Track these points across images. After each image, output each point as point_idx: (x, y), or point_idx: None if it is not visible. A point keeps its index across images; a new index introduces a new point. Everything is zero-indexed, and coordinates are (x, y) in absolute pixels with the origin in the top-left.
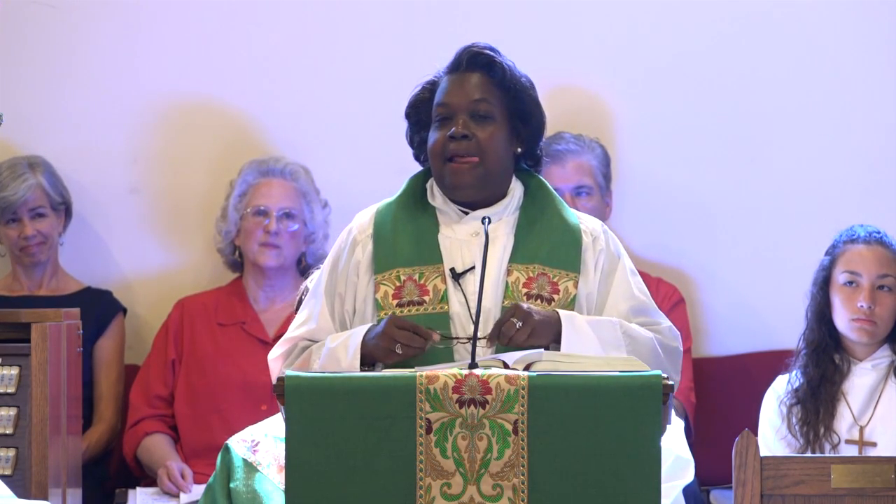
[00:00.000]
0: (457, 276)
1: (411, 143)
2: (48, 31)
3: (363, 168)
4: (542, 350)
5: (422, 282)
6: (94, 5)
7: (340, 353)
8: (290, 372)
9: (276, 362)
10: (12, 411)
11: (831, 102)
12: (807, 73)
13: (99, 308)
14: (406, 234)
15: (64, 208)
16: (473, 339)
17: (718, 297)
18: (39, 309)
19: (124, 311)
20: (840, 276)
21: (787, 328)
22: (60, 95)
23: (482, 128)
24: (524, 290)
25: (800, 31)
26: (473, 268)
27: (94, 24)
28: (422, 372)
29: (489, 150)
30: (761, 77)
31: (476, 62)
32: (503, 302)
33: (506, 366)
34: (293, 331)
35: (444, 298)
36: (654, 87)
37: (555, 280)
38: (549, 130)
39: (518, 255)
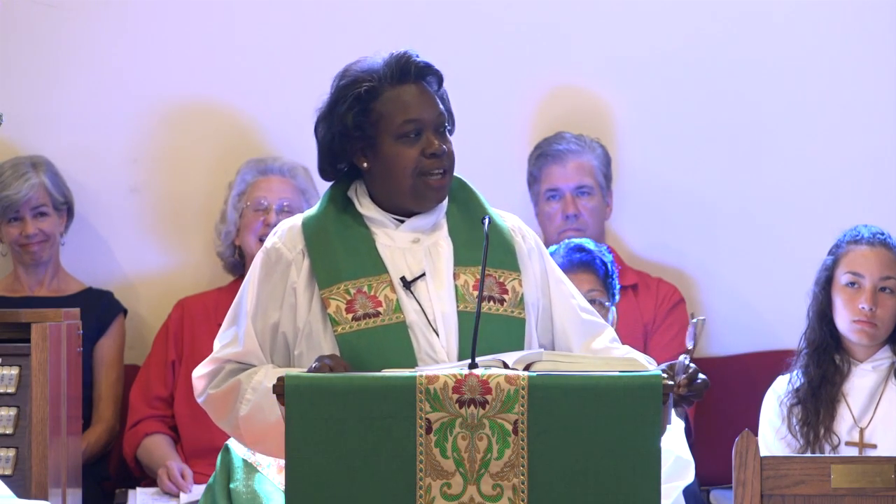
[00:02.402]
0: (408, 285)
1: (329, 150)
2: (48, 31)
3: None
4: (542, 350)
5: (372, 293)
6: (93, 6)
7: (266, 408)
8: (290, 372)
9: (200, 381)
10: (12, 411)
11: (832, 102)
12: (808, 74)
13: (100, 309)
14: (343, 247)
15: (66, 208)
16: (474, 337)
17: (718, 297)
18: (40, 309)
19: (125, 311)
20: (842, 277)
21: (787, 328)
22: (61, 95)
23: (446, 140)
24: (474, 293)
25: (800, 32)
26: (424, 275)
27: (94, 24)
28: (422, 372)
29: (454, 162)
30: (762, 77)
31: (420, 72)
32: (458, 306)
33: (506, 366)
34: (219, 351)
35: (398, 308)
36: (655, 88)
37: (501, 280)
38: (550, 130)
39: (461, 258)
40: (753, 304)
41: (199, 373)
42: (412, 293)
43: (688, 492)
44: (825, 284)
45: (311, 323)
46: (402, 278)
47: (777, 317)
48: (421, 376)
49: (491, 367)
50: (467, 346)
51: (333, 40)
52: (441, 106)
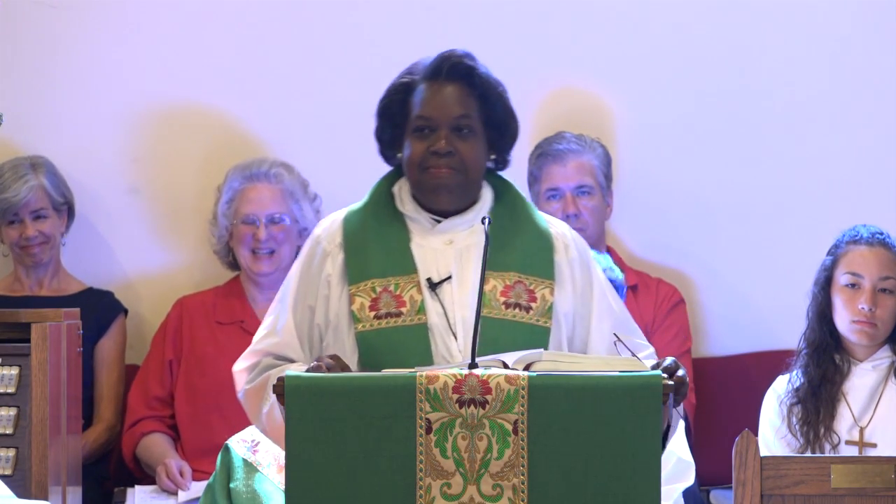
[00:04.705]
0: (433, 287)
1: (380, 139)
2: (48, 31)
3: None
4: (542, 350)
5: (398, 293)
6: (93, 6)
7: (278, 407)
8: (290, 372)
9: (241, 375)
10: (12, 411)
11: (832, 102)
12: (808, 73)
13: (100, 309)
14: (378, 244)
15: (66, 208)
16: (474, 337)
17: (718, 297)
18: (40, 309)
19: (125, 311)
20: (842, 277)
21: (787, 328)
22: (61, 95)
23: (463, 142)
24: (502, 299)
25: (801, 32)
26: (450, 277)
27: (94, 24)
28: (422, 372)
29: (470, 165)
30: (762, 77)
31: (456, 72)
32: (482, 311)
33: (506, 366)
34: (258, 341)
35: (422, 309)
36: (655, 88)
37: (531, 288)
38: (550, 130)
39: (493, 263)
40: (753, 304)
41: (240, 366)
42: (437, 295)
43: (687, 492)
44: (824, 285)
45: (339, 316)
46: (429, 280)
47: (777, 317)
48: (421, 376)
49: (491, 367)
50: (485, 351)
51: (334, 40)
52: (467, 107)
